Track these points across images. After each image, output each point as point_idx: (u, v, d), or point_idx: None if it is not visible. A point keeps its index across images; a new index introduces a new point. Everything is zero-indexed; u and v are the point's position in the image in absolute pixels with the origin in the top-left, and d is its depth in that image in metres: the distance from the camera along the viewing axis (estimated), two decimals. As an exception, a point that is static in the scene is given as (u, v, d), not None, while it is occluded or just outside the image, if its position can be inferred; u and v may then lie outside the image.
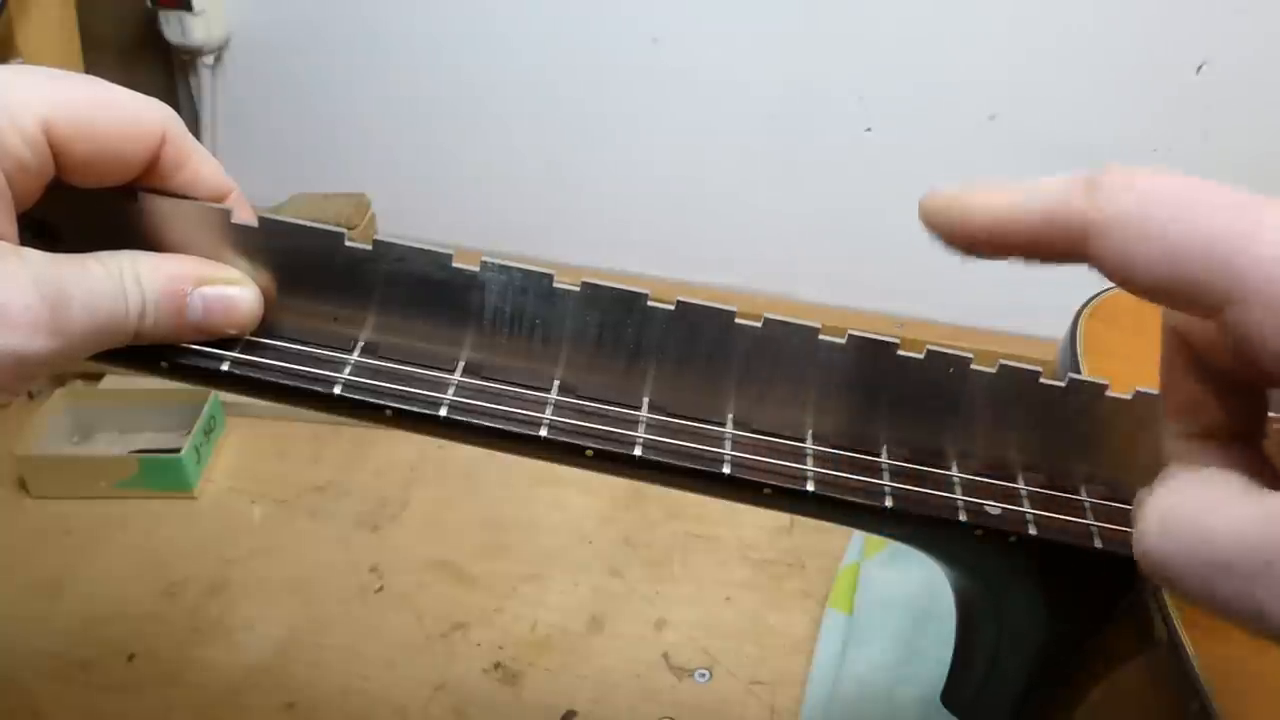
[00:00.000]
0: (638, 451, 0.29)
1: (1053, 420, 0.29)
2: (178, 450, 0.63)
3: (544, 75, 0.78)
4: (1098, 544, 0.29)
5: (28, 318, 0.23)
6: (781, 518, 0.63)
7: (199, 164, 0.27)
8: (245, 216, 0.28)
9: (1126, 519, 0.30)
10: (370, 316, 0.29)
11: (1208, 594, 0.18)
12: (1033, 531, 0.29)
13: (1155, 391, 0.29)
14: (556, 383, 0.30)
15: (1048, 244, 0.22)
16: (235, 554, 0.60)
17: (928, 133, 0.74)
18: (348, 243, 0.27)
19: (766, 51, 0.73)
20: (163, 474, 0.63)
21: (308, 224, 0.27)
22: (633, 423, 0.30)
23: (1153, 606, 0.29)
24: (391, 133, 0.85)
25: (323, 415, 0.30)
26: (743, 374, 0.29)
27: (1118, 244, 0.20)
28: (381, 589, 0.58)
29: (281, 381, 0.29)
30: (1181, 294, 0.19)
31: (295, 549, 0.61)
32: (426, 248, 0.28)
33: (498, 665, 0.54)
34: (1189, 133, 0.70)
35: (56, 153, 0.24)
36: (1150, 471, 0.30)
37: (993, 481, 0.30)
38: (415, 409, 0.29)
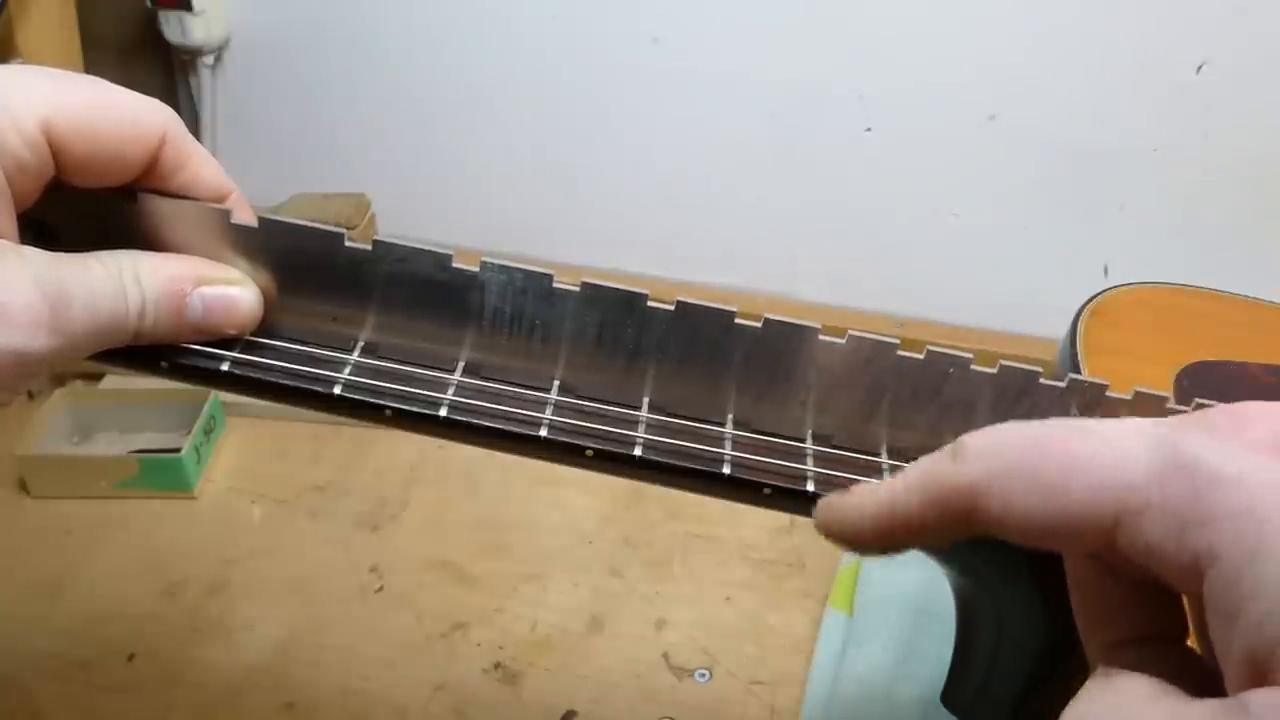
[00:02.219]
0: (638, 451, 0.29)
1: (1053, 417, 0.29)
2: (178, 450, 0.63)
3: (544, 75, 0.79)
4: (1098, 544, 0.29)
5: (29, 316, 0.23)
6: (781, 518, 0.63)
7: (199, 165, 0.27)
8: (245, 217, 0.28)
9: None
10: (370, 316, 0.29)
11: None
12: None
13: (1156, 391, 0.29)
14: (556, 383, 0.30)
15: (937, 522, 0.21)
16: (235, 554, 0.60)
17: (928, 133, 0.74)
18: (348, 243, 0.27)
19: (767, 51, 0.73)
20: (163, 474, 0.63)
21: (307, 224, 0.27)
22: (633, 423, 0.30)
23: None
24: (391, 133, 0.85)
25: (323, 415, 0.30)
26: (743, 374, 0.29)
27: (998, 497, 0.20)
28: (381, 589, 0.58)
29: (281, 381, 0.29)
30: (1070, 529, 0.19)
31: (295, 549, 0.61)
32: (427, 248, 0.28)
33: (498, 665, 0.54)
34: (1189, 133, 0.70)
35: (56, 153, 0.24)
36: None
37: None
38: (415, 409, 0.29)
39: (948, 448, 0.21)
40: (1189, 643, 0.21)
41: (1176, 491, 0.18)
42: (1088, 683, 0.20)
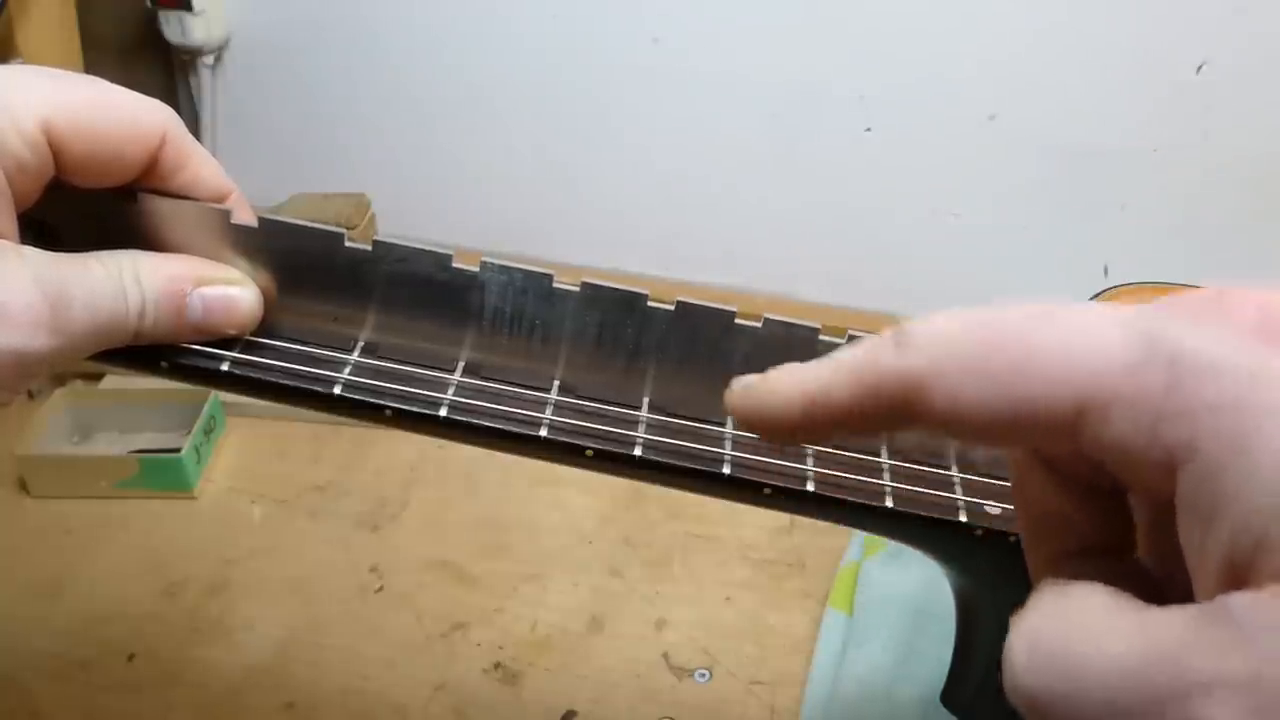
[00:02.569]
0: (638, 451, 0.29)
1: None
2: (178, 450, 0.63)
3: (544, 75, 0.78)
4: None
5: (29, 316, 0.23)
6: (781, 518, 0.63)
7: (199, 165, 0.27)
8: (245, 217, 0.28)
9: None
10: (370, 317, 0.29)
11: None
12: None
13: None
14: (556, 383, 0.30)
15: (869, 411, 0.19)
16: (235, 554, 0.60)
17: (928, 133, 0.74)
18: (347, 243, 0.27)
19: (767, 51, 0.73)
20: (163, 474, 0.63)
21: (307, 224, 0.27)
22: (633, 423, 0.30)
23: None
24: (391, 133, 0.85)
25: (323, 415, 0.30)
26: (743, 374, 0.29)
27: (945, 389, 0.18)
28: (381, 589, 0.58)
29: (281, 381, 0.29)
30: (1028, 424, 0.17)
31: (295, 549, 0.61)
32: (427, 248, 0.28)
33: (498, 665, 0.54)
34: (1189, 133, 0.70)
35: (56, 153, 0.24)
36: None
37: (993, 481, 0.30)
38: (415, 409, 0.29)
39: (889, 332, 0.19)
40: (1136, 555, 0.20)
41: (1152, 381, 0.16)
42: (1035, 595, 0.18)
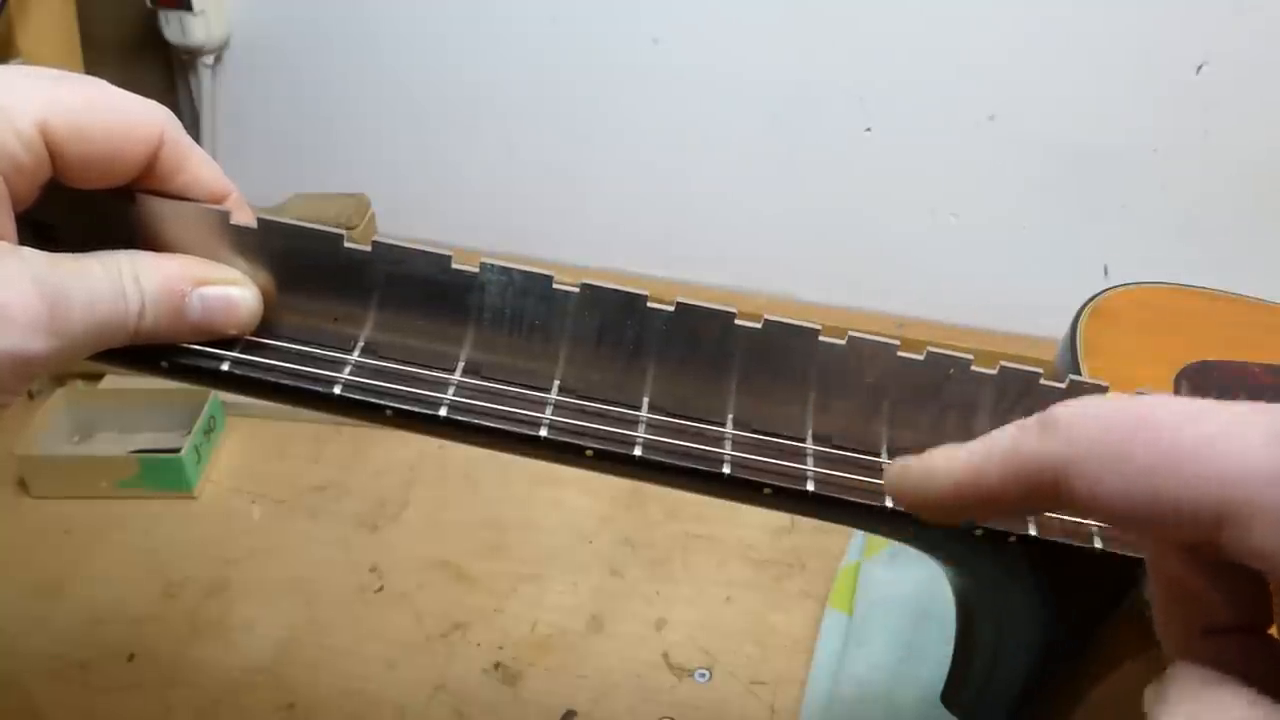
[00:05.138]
0: (638, 451, 0.29)
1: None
2: (178, 450, 0.63)
3: (544, 75, 0.78)
4: (1098, 544, 0.29)
5: (27, 317, 0.23)
6: (781, 518, 0.63)
7: (197, 166, 0.27)
8: (244, 218, 0.28)
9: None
10: (370, 317, 0.29)
11: None
12: (1033, 531, 0.29)
13: (1156, 392, 0.29)
14: (556, 383, 0.30)
15: (1017, 495, 0.20)
16: (235, 554, 0.60)
17: (928, 133, 0.74)
18: (347, 244, 0.27)
19: (767, 51, 0.73)
20: (163, 474, 0.63)
21: (307, 225, 0.27)
22: (633, 423, 0.30)
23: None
24: (391, 133, 0.85)
25: (323, 415, 0.30)
26: (743, 375, 0.29)
27: (1088, 477, 0.18)
28: (381, 589, 0.58)
29: (281, 381, 0.29)
30: (1167, 520, 0.18)
31: (295, 549, 0.61)
32: (426, 249, 0.27)
33: (498, 665, 0.54)
34: (1189, 133, 0.70)
35: (53, 154, 0.24)
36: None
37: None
38: (415, 409, 0.29)
39: (1035, 418, 0.20)
40: (1273, 631, 0.20)
41: None
42: (1172, 680, 0.18)
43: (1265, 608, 0.20)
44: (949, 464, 0.21)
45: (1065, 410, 0.19)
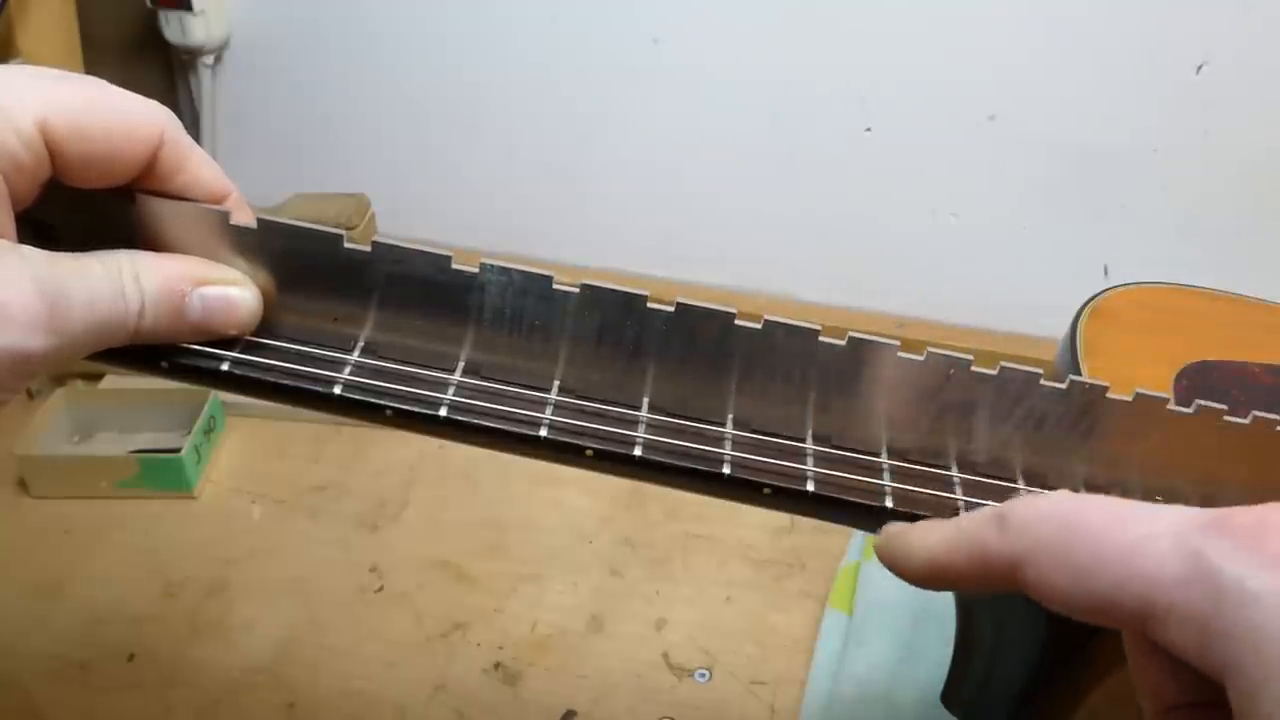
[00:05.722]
0: (638, 451, 0.29)
1: (1052, 421, 0.29)
2: (178, 450, 0.63)
3: (544, 75, 0.78)
4: (1098, 544, 0.29)
5: (26, 315, 0.23)
6: (781, 518, 0.63)
7: (198, 166, 0.27)
8: (244, 218, 0.28)
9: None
10: (370, 317, 0.29)
11: None
12: (1033, 532, 0.29)
13: (1156, 393, 0.29)
14: (556, 383, 0.30)
15: (980, 580, 0.23)
16: (235, 554, 0.60)
17: (928, 133, 0.74)
18: (346, 244, 0.27)
19: (767, 51, 0.73)
20: (163, 474, 0.63)
21: (306, 226, 0.27)
22: (633, 423, 0.30)
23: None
24: (391, 133, 0.85)
25: (323, 415, 0.30)
26: (743, 375, 0.29)
27: (1035, 574, 0.21)
28: (381, 589, 0.58)
29: (281, 381, 0.29)
30: (1106, 614, 0.20)
31: (295, 549, 0.61)
32: (426, 249, 0.27)
33: (498, 665, 0.54)
34: (1189, 133, 0.70)
35: (53, 153, 0.24)
36: (1150, 472, 0.30)
37: (993, 481, 0.30)
38: (415, 409, 0.29)
39: (994, 514, 0.22)
40: None
41: (1198, 600, 0.18)
42: None
43: (1209, 687, 0.22)
44: (924, 544, 0.24)
45: (1015, 508, 0.22)
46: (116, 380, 0.69)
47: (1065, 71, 0.69)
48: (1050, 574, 0.20)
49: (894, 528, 0.26)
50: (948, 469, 0.30)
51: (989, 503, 0.29)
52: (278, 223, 0.27)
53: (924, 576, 0.24)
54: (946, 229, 0.78)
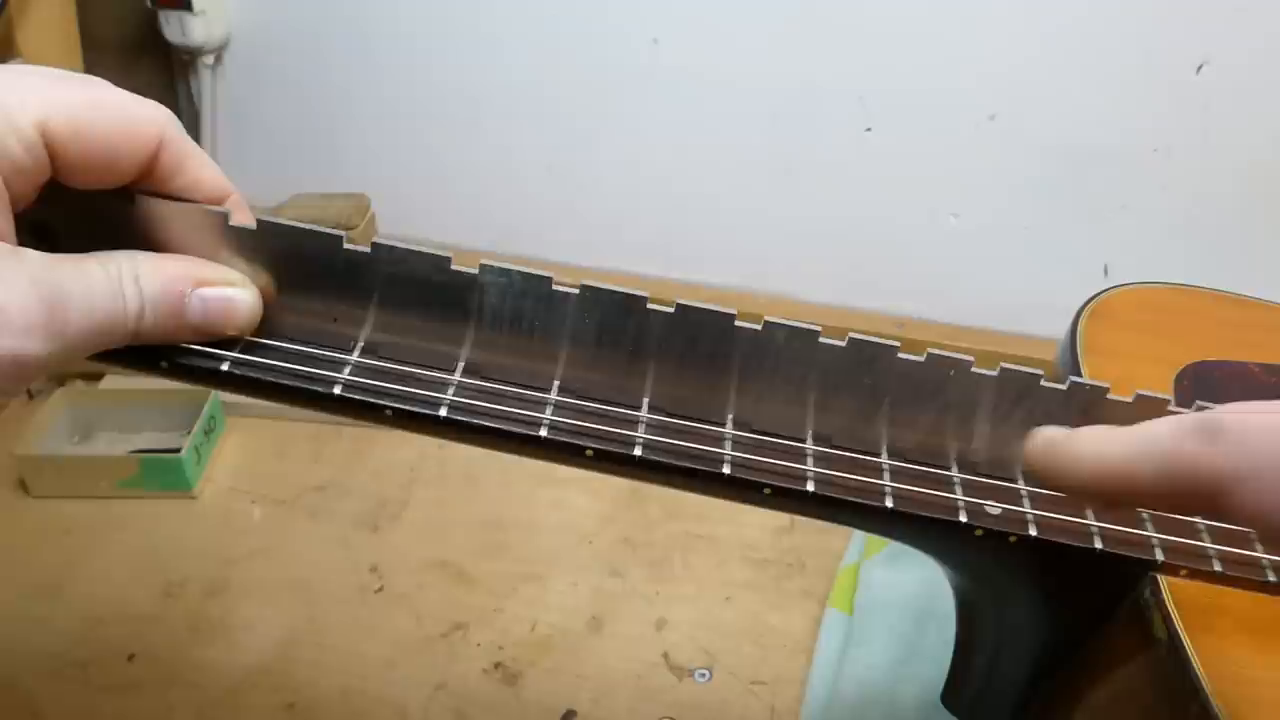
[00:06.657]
0: (638, 451, 0.29)
1: (1053, 422, 0.29)
2: (178, 450, 0.63)
3: (544, 75, 0.78)
4: (1098, 544, 0.29)
5: (25, 319, 0.23)
6: (781, 518, 0.63)
7: (197, 167, 0.27)
8: (244, 219, 0.28)
9: (1127, 520, 0.29)
10: (370, 317, 0.29)
11: None
12: (1033, 532, 0.29)
13: (1156, 394, 0.29)
14: (556, 383, 0.30)
15: (1167, 496, 0.20)
16: (235, 554, 0.60)
17: (928, 133, 0.74)
18: (346, 245, 0.27)
19: (767, 52, 0.73)
20: (163, 474, 0.63)
21: (306, 226, 0.27)
22: (633, 423, 0.30)
23: (1153, 606, 0.29)
24: (391, 133, 0.85)
25: (323, 415, 0.30)
26: (743, 375, 0.29)
27: (1255, 496, 0.18)
28: (381, 589, 0.58)
29: (281, 381, 0.29)
30: None
31: (295, 549, 0.61)
32: (426, 250, 0.27)
33: (498, 665, 0.54)
34: (1189, 133, 0.70)
35: (53, 154, 0.24)
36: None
37: (993, 481, 0.30)
38: (415, 409, 0.29)
39: (1200, 423, 0.19)
40: None
41: None
42: None
43: None
44: (1099, 453, 0.21)
45: (1234, 417, 0.19)
46: (116, 380, 0.69)
47: (1065, 72, 0.69)
48: (1274, 496, 0.18)
49: (1056, 432, 0.22)
50: (948, 469, 0.30)
51: (989, 503, 0.29)
52: (278, 223, 0.27)
53: (1089, 488, 0.21)
54: (946, 229, 0.78)
